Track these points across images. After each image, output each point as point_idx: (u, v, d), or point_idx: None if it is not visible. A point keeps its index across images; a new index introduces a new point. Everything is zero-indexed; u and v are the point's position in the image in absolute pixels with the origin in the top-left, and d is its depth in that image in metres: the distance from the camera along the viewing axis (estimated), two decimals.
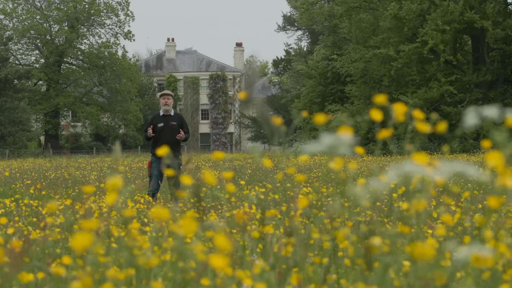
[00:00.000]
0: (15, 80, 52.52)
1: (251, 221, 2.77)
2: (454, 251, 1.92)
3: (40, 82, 64.12)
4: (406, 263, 2.09)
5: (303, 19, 48.69)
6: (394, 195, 4.14)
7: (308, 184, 9.79)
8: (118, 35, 65.41)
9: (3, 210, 6.08)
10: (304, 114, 2.89)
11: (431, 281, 1.93)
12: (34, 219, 5.11)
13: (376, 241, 2.08)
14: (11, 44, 58.49)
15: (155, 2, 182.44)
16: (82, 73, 63.85)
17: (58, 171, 18.93)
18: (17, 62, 63.34)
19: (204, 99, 74.20)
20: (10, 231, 3.69)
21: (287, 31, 71.06)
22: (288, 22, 69.91)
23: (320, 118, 1.97)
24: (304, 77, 51.18)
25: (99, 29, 65.81)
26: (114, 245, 2.41)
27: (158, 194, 9.86)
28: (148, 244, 2.52)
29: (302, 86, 52.21)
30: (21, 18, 62.54)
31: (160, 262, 2.47)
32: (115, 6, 65.37)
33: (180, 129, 10.01)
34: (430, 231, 3.34)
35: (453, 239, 3.16)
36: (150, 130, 9.90)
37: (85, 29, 65.11)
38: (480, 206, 5.07)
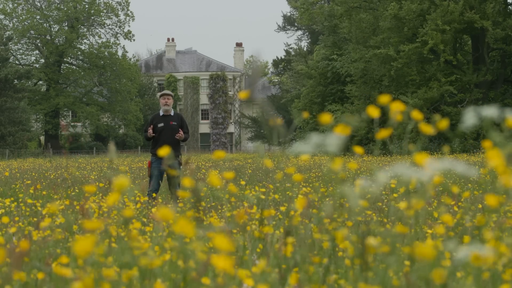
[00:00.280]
0: (15, 80, 52.50)
1: (251, 221, 2.77)
2: (454, 251, 1.92)
3: (40, 82, 64.10)
4: (406, 263, 2.09)
5: (303, 19, 48.69)
6: (394, 195, 4.15)
7: (308, 184, 9.80)
8: (118, 35, 65.44)
9: (3, 210, 6.08)
10: (305, 114, 2.90)
11: (431, 281, 1.94)
12: (35, 219, 5.11)
13: (373, 241, 2.09)
14: (11, 44, 58.48)
15: (155, 2, 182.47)
16: (82, 73, 63.84)
17: (58, 171, 18.94)
18: (17, 62, 63.33)
19: (204, 99, 74.19)
20: (12, 230, 3.70)
21: (287, 31, 71.08)
22: (288, 22, 69.92)
23: (325, 118, 1.96)
24: (304, 77, 51.18)
25: (99, 29, 65.85)
26: (114, 245, 2.42)
27: (154, 195, 9.85)
28: (148, 244, 2.52)
29: (302, 86, 52.22)
30: (21, 18, 62.54)
31: (161, 263, 2.47)
32: (115, 6, 65.38)
33: (180, 129, 10.01)
34: (430, 231, 3.34)
35: (453, 239, 3.17)
36: (150, 131, 9.89)
37: (85, 29, 65.11)
38: (479, 206, 5.07)
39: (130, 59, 66.74)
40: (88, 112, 61.74)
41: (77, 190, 9.98)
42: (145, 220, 5.24)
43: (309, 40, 66.03)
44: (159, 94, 10.64)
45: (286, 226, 2.46)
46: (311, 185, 10.29)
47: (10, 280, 2.23)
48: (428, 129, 1.91)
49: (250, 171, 17.43)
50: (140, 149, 55.57)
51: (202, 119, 74.54)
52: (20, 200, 7.93)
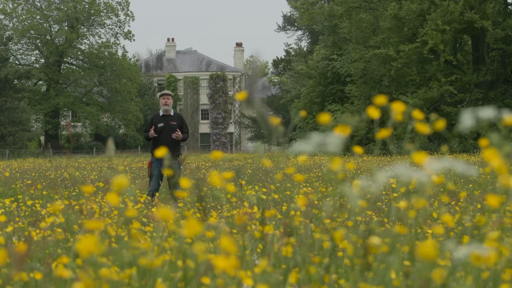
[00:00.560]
0: (15, 80, 52.50)
1: (251, 221, 2.77)
2: (454, 250, 1.92)
3: (40, 82, 64.10)
4: (406, 263, 2.09)
5: (303, 19, 48.67)
6: (394, 194, 4.15)
7: (308, 184, 9.80)
8: (118, 35, 65.43)
9: (3, 210, 6.08)
10: (303, 113, 2.89)
11: (431, 281, 1.94)
12: (34, 219, 5.10)
13: (376, 240, 2.09)
14: (11, 44, 58.47)
15: (155, 2, 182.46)
16: (82, 73, 63.84)
17: (58, 171, 18.93)
18: (17, 62, 63.32)
19: (204, 99, 74.18)
20: (9, 229, 3.69)
21: (287, 31, 71.07)
22: (288, 22, 69.91)
23: (324, 118, 1.97)
24: (304, 77, 51.17)
25: (99, 29, 65.84)
26: (114, 245, 2.42)
27: (157, 194, 9.85)
28: (148, 244, 2.52)
29: (302, 86, 52.20)
30: (21, 18, 62.53)
31: (161, 263, 2.47)
32: (115, 6, 65.37)
33: (177, 129, 10.00)
34: (430, 231, 3.34)
35: (453, 238, 3.17)
36: (152, 131, 9.88)
37: (85, 29, 65.10)
38: (479, 206, 5.08)
39: (130, 59, 66.74)
40: (88, 112, 61.74)
41: (77, 190, 9.98)
42: (145, 220, 5.24)
43: (309, 40, 66.02)
44: (159, 94, 10.63)
45: (286, 226, 2.46)
46: (311, 185, 10.29)
47: (10, 280, 2.23)
48: (424, 129, 1.91)
49: (250, 171, 17.44)
50: (140, 149, 55.59)
51: (202, 119, 74.52)
52: (20, 200, 7.93)
